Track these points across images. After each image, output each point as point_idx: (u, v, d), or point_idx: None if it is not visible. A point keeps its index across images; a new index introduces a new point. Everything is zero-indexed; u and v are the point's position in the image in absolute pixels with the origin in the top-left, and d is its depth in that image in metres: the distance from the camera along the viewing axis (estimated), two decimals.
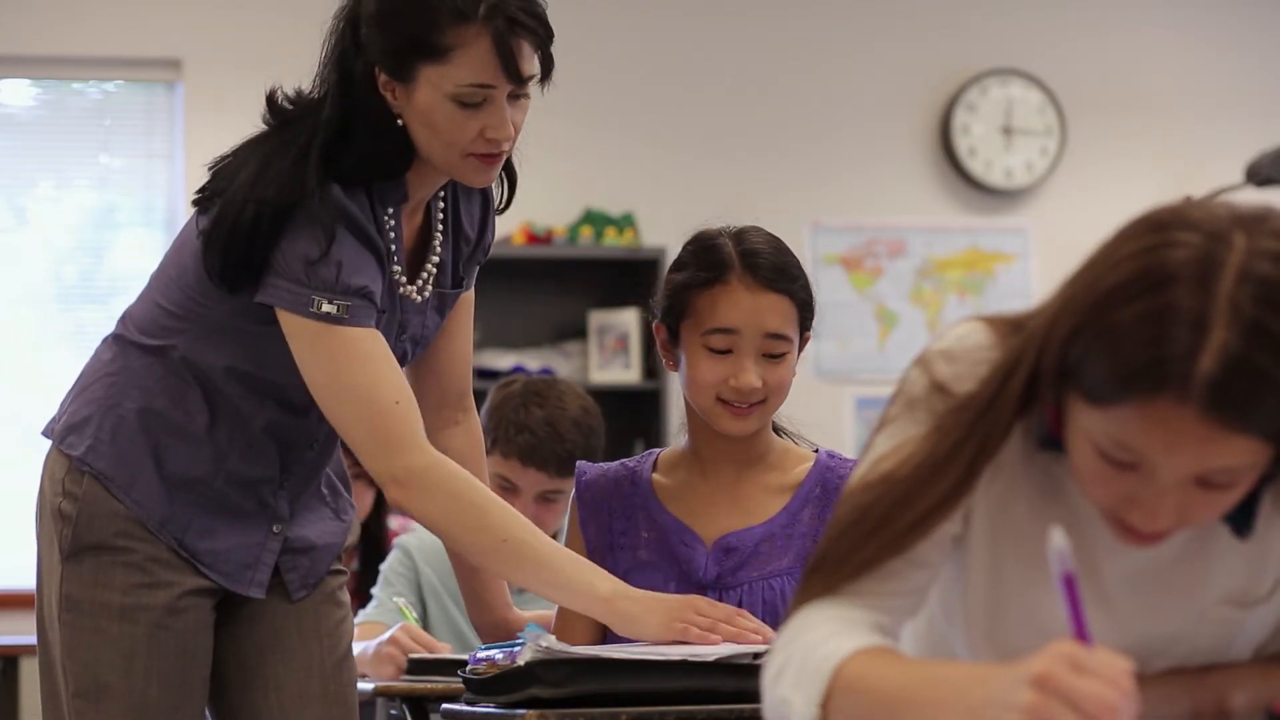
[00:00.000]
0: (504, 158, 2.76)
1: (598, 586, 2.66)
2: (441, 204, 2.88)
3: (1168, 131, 7.68)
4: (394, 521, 4.86)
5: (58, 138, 7.11)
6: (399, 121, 2.71)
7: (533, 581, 2.72)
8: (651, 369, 7.10)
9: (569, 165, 7.25)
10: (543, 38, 2.70)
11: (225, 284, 2.73)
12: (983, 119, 7.57)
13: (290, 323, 2.70)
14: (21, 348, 6.88)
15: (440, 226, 2.88)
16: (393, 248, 2.79)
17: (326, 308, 2.67)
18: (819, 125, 7.48)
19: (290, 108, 2.76)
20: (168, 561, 2.81)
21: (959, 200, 7.61)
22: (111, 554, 2.79)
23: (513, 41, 2.66)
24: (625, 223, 7.17)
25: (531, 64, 2.70)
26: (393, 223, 2.78)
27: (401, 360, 2.89)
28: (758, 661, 2.44)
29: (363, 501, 4.72)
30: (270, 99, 2.77)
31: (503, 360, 6.91)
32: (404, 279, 2.82)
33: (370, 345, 2.71)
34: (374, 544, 4.75)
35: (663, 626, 2.60)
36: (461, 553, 2.84)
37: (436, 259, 2.87)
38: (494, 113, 2.69)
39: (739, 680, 2.46)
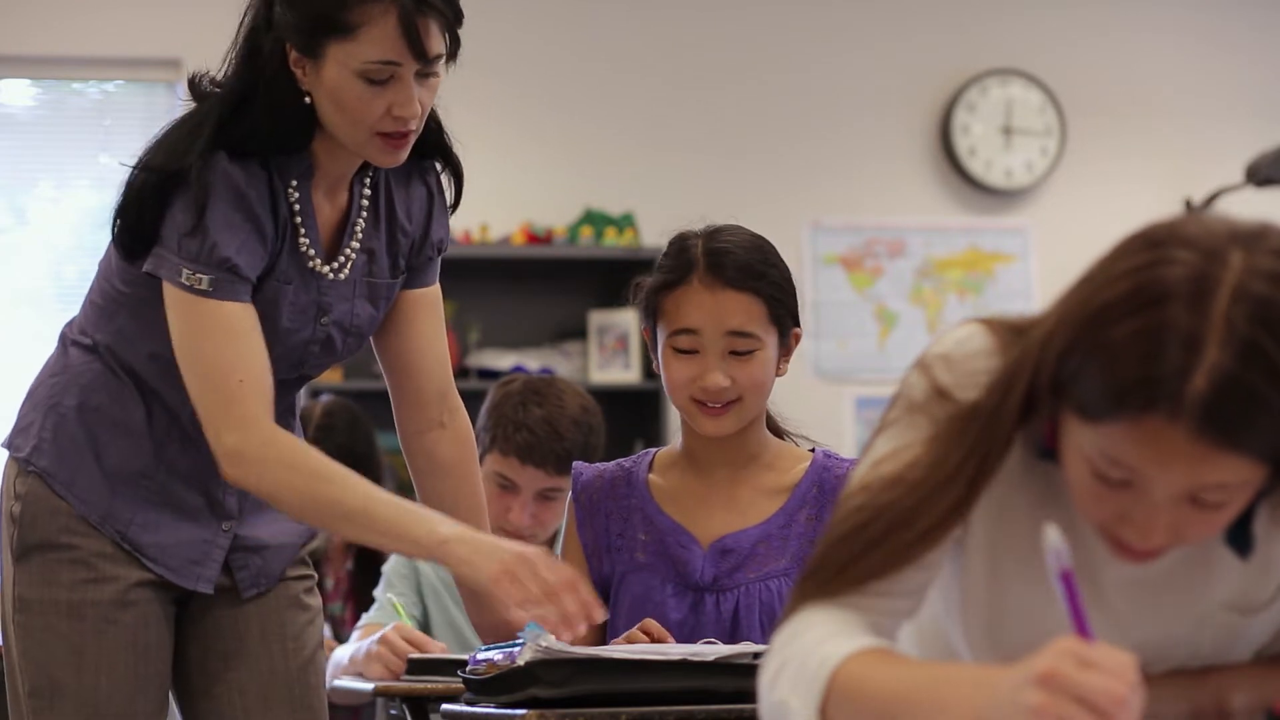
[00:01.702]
0: (412, 138, 2.77)
1: (439, 530, 2.65)
2: (367, 190, 2.89)
3: (1168, 131, 7.67)
4: None
5: (58, 138, 7.11)
6: (307, 99, 2.74)
7: (369, 536, 2.71)
8: (651, 369, 7.10)
9: (569, 165, 7.24)
10: (450, 19, 2.73)
11: (127, 256, 2.77)
12: (983, 119, 7.57)
13: (167, 291, 2.74)
14: (21, 348, 6.90)
15: (365, 211, 2.89)
16: (298, 220, 2.80)
17: (191, 279, 2.71)
18: (819, 125, 7.48)
19: (209, 89, 2.81)
20: (112, 556, 2.82)
21: (959, 200, 7.60)
22: (57, 551, 2.81)
23: (419, 20, 2.69)
24: (625, 223, 7.17)
25: (438, 43, 2.73)
26: (297, 195, 2.80)
27: (330, 349, 2.90)
28: (757, 661, 2.44)
29: None
30: (191, 82, 2.82)
31: (503, 360, 6.90)
32: (313, 253, 2.83)
33: (232, 320, 2.73)
34: (369, 548, 4.75)
35: (492, 576, 2.57)
36: (301, 520, 2.85)
37: (357, 243, 2.88)
38: (401, 90, 2.71)
39: (739, 680, 2.46)
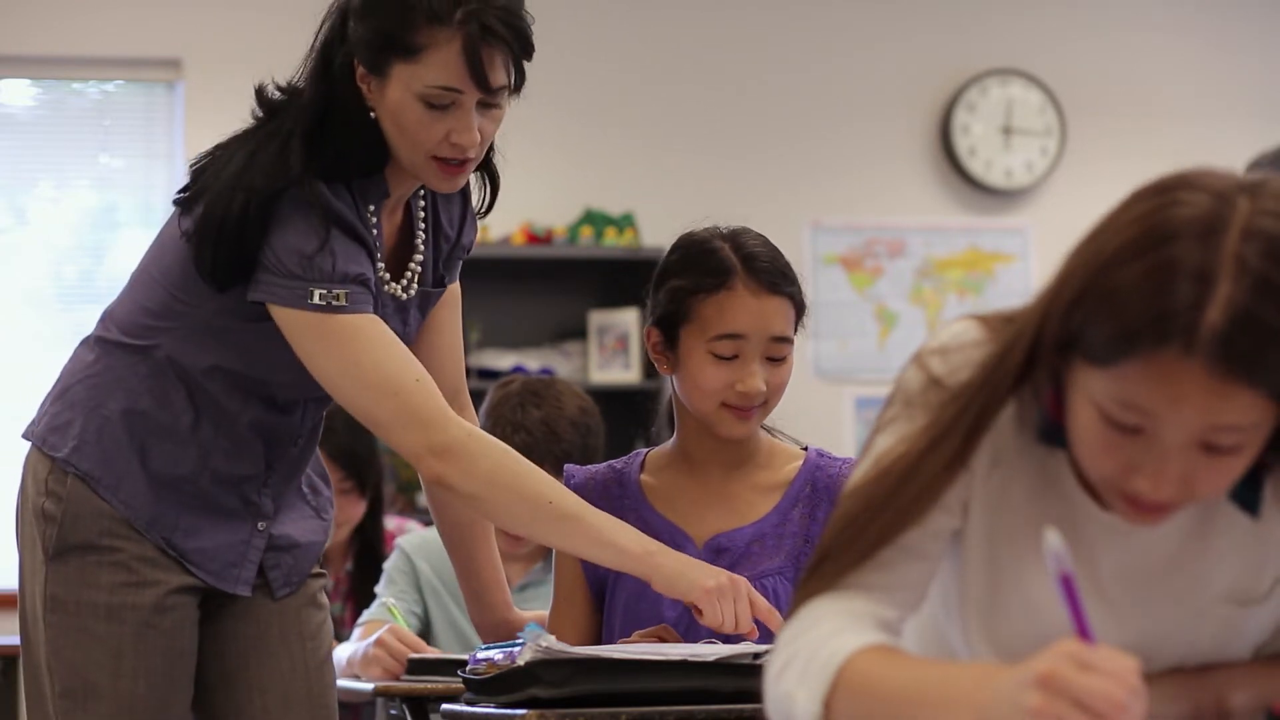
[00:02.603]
0: (470, 167, 2.76)
1: (647, 544, 2.66)
2: (423, 204, 2.89)
3: (1168, 131, 7.68)
4: (390, 523, 4.87)
5: (58, 138, 7.10)
6: (372, 115, 2.72)
7: (577, 541, 2.70)
8: (651, 369, 7.10)
9: (569, 165, 7.24)
10: (517, 51, 2.71)
11: (215, 281, 2.72)
12: (983, 119, 7.57)
13: (288, 317, 2.70)
14: (21, 348, 6.90)
15: (422, 226, 2.88)
16: (376, 243, 2.79)
17: (326, 298, 2.67)
18: (819, 125, 7.48)
19: (278, 97, 2.78)
20: (155, 560, 2.81)
21: (959, 200, 7.61)
22: (98, 554, 2.79)
23: (484, 50, 2.67)
24: (625, 223, 7.17)
25: (501, 75, 2.70)
26: (375, 219, 2.78)
27: None
28: (758, 662, 2.44)
29: (354, 512, 4.72)
30: (259, 91, 2.78)
31: (503, 360, 6.90)
32: (387, 276, 2.82)
33: (376, 329, 2.72)
34: (368, 548, 4.76)
35: (706, 589, 2.60)
36: (504, 521, 2.83)
37: (420, 258, 2.87)
38: (460, 118, 2.69)
39: (739, 680, 2.46)
